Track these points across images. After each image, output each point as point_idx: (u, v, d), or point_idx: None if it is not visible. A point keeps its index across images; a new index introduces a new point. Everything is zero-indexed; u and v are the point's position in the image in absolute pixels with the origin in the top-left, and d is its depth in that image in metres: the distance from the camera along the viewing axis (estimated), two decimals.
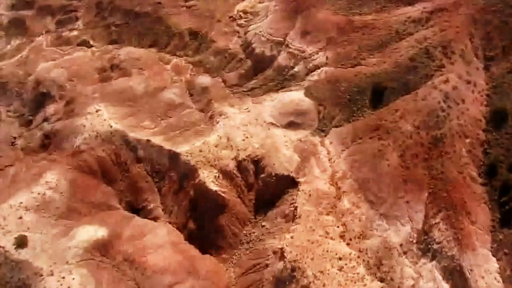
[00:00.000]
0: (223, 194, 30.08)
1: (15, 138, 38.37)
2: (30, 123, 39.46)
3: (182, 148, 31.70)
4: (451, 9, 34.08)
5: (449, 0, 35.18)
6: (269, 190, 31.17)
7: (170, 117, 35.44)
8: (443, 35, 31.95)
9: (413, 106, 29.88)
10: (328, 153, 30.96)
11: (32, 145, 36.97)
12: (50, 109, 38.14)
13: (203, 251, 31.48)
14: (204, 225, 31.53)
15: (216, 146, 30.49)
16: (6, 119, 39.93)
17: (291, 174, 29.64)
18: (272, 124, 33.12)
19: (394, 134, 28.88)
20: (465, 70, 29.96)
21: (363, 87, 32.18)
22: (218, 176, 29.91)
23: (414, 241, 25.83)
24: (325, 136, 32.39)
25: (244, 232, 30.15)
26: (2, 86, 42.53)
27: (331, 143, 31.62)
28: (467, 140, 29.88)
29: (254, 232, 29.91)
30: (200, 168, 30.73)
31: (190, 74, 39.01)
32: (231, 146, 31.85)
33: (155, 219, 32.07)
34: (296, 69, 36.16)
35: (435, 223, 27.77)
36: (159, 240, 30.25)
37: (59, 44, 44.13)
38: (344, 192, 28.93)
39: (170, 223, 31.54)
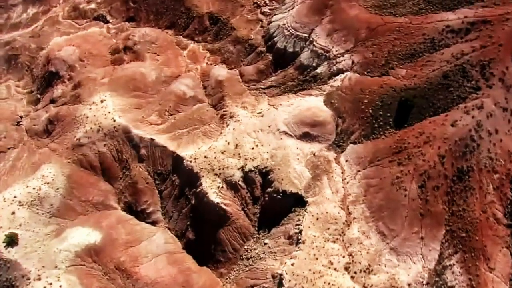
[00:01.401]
0: (225, 207, 27.93)
1: (21, 117, 37.01)
2: (38, 101, 37.87)
3: (187, 152, 29.35)
4: (495, 22, 28.71)
5: (495, 11, 31.55)
6: (274, 206, 29.00)
7: (179, 112, 33.15)
8: (483, 52, 27.99)
9: (441, 131, 26.72)
10: (342, 172, 28.32)
11: (37, 128, 35.48)
12: (58, 90, 36.22)
13: (201, 262, 29.95)
14: (204, 236, 29.76)
15: (222, 153, 28.03)
16: (15, 94, 38.37)
17: (300, 192, 26.76)
18: (286, 133, 30.40)
19: (416, 160, 25.99)
20: (503, 95, 26.10)
21: (389, 102, 28.92)
22: (222, 187, 26.77)
23: (424, 282, 23.27)
24: (341, 152, 29.50)
25: (245, 247, 28.30)
26: (14, 59, 41.03)
27: (346, 161, 28.91)
28: (496, 176, 26.89)
29: (255, 249, 28.02)
30: (203, 176, 28.67)
31: (207, 63, 36.55)
32: (239, 154, 29.40)
33: (153, 223, 30.31)
34: (318, 70, 33.11)
35: (450, 265, 23.48)
36: (155, 249, 28.69)
37: (75, 17, 41.75)
38: (354, 218, 26.53)
39: (169, 229, 30.04)
